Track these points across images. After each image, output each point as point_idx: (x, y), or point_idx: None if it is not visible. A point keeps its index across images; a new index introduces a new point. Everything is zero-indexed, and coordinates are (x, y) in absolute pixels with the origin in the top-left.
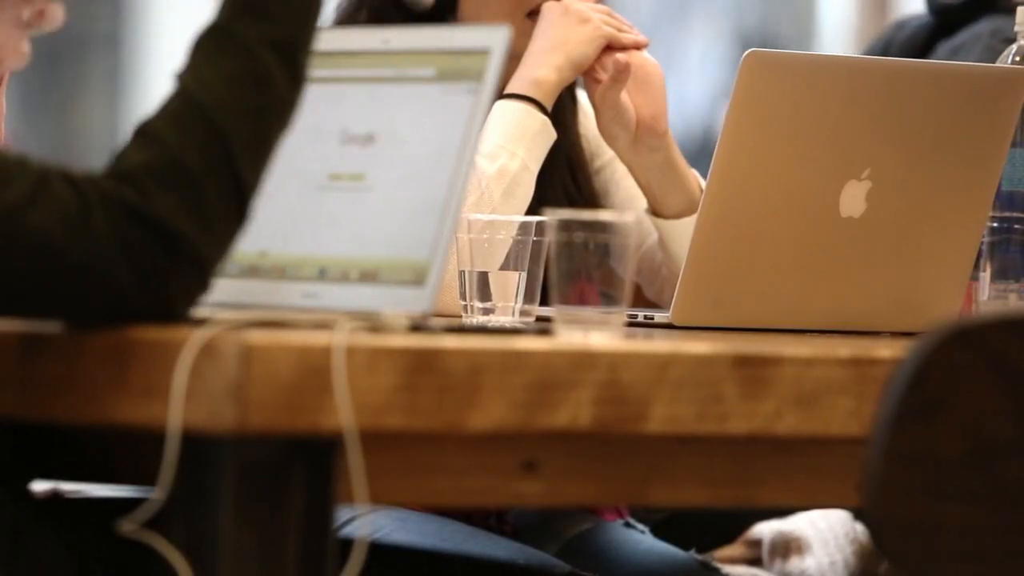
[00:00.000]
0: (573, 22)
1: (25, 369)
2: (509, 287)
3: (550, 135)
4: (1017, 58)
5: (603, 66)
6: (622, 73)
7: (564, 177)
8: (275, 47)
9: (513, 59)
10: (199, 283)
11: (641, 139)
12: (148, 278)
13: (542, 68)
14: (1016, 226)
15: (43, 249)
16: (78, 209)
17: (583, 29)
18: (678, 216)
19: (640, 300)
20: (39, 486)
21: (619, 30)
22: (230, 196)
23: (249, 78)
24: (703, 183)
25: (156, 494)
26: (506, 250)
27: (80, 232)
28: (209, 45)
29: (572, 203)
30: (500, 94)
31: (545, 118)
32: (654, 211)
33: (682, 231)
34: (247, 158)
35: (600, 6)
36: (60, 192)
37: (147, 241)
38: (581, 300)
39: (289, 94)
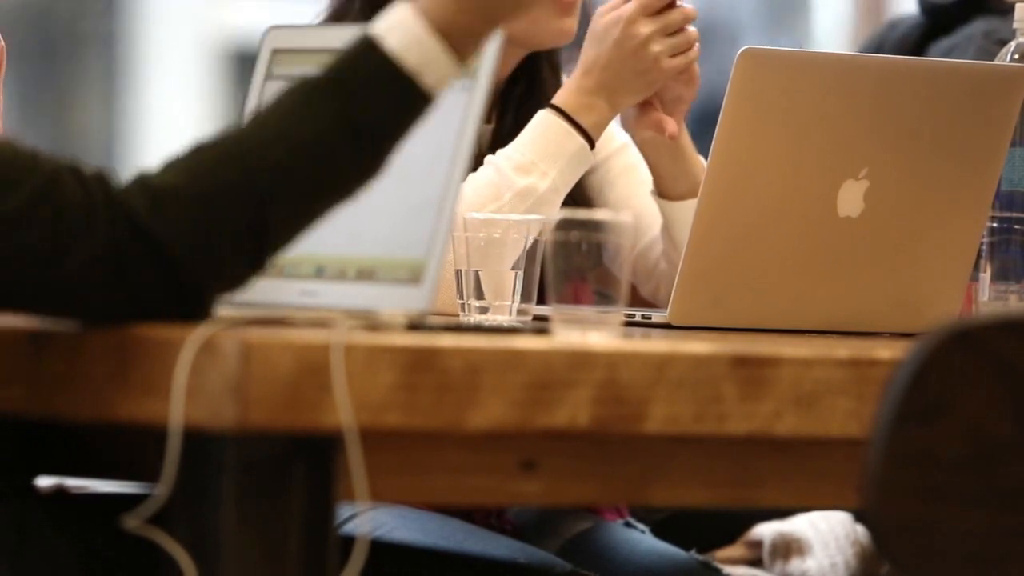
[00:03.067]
0: (631, 54)
1: (29, 366)
2: (506, 286)
3: (587, 160)
4: (1016, 56)
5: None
6: (663, 132)
7: None
8: (346, 125)
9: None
10: (190, 310)
11: None
12: (138, 295)
13: (599, 101)
14: (1016, 226)
15: (34, 261)
16: (80, 215)
17: (643, 65)
18: (681, 198)
19: (635, 300)
20: (44, 482)
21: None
22: (247, 242)
23: (305, 145)
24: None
25: (159, 490)
26: (505, 250)
27: (78, 240)
28: (288, 97)
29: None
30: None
31: (584, 143)
32: (660, 191)
33: (684, 214)
34: (278, 215)
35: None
36: (67, 195)
37: (141, 256)
38: (578, 299)
39: (347, 174)
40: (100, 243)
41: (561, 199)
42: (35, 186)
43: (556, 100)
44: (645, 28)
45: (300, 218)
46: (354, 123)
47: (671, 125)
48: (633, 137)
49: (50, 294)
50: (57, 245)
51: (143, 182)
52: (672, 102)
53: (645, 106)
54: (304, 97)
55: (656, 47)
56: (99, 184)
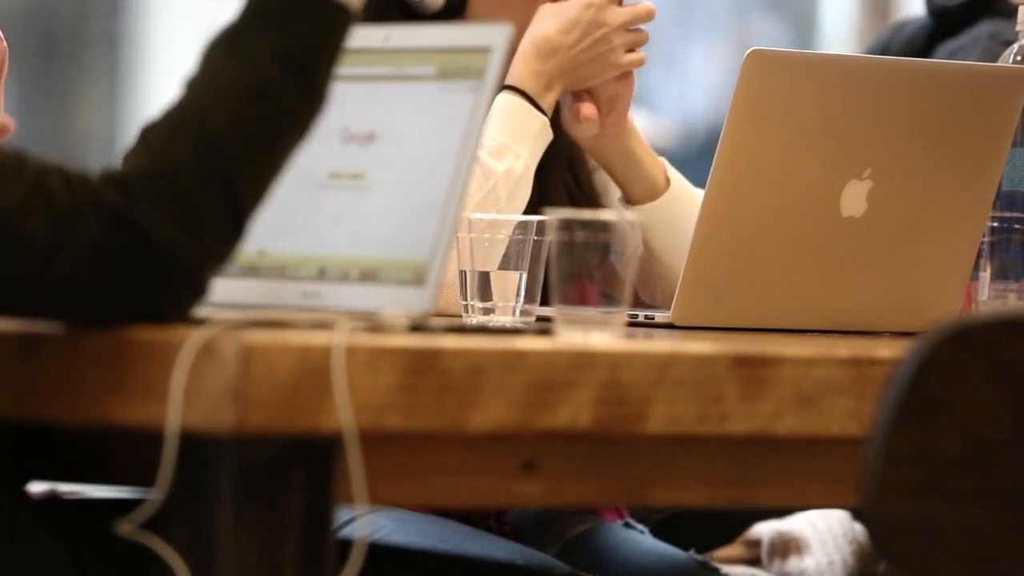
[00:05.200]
0: (596, 41)
1: (23, 369)
2: (509, 287)
3: (548, 136)
4: (1018, 57)
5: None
6: (580, 118)
7: (564, 175)
8: (282, 59)
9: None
10: (188, 293)
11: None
12: (135, 287)
13: (557, 83)
14: (1016, 226)
15: (34, 256)
16: (70, 214)
17: (601, 52)
18: (640, 202)
19: (638, 302)
20: (37, 487)
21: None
22: (222, 206)
23: (250, 89)
24: (670, 170)
25: (154, 495)
26: (504, 250)
27: (71, 236)
28: (215, 51)
29: (573, 200)
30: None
31: (545, 119)
32: (623, 197)
33: (644, 217)
34: (243, 170)
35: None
36: (56, 192)
37: (132, 249)
38: (582, 300)
39: (298, 108)
40: (90, 240)
41: (532, 176)
42: (24, 185)
43: (516, 81)
44: (614, 17)
45: (264, 168)
46: (288, 54)
47: (585, 108)
48: (578, 140)
49: (45, 294)
50: (50, 244)
51: (110, 177)
52: (608, 100)
53: (575, 98)
54: (231, 44)
55: (617, 39)
56: (83, 183)
